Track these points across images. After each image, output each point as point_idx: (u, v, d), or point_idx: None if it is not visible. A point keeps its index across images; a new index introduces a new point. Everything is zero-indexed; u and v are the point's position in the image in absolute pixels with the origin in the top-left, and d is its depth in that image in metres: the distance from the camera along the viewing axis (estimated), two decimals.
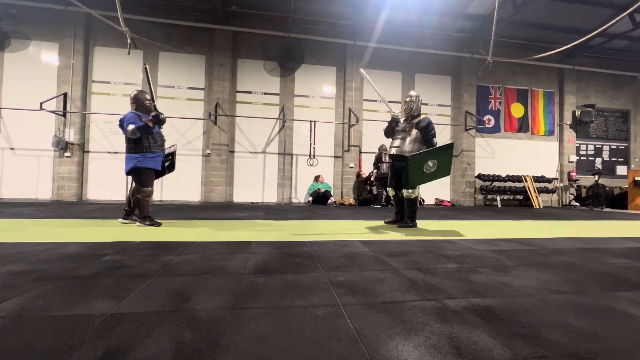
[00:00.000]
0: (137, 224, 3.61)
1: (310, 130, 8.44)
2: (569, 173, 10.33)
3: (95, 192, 8.01)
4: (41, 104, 7.24)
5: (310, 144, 8.43)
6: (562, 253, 2.55)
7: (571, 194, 10.34)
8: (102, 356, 0.91)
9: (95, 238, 2.74)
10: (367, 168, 8.89)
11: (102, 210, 5.25)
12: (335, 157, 9.15)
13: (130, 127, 3.47)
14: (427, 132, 3.86)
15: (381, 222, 4.35)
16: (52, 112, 7.63)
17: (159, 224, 3.59)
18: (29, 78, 7.84)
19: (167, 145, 4.07)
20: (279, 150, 8.83)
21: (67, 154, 7.76)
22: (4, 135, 7.75)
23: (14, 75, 7.80)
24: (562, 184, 10.42)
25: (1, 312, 1.20)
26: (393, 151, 4.04)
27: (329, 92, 9.23)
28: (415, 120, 3.99)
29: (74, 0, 5.24)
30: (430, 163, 3.52)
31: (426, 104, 9.75)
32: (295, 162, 8.91)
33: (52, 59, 7.97)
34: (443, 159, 3.55)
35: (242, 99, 8.78)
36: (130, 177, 3.83)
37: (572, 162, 10.44)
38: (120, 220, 3.79)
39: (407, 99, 4.12)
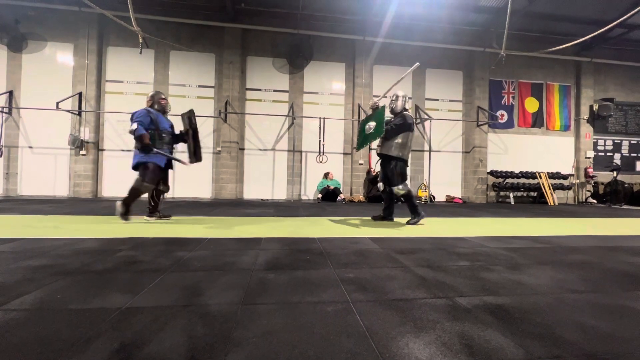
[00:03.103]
0: (145, 217, 3.71)
1: (320, 127, 8.43)
2: (585, 169, 10.04)
3: (110, 189, 8.20)
4: (57, 103, 7.44)
5: (320, 141, 8.42)
6: (578, 251, 2.49)
7: (588, 190, 10.05)
8: (118, 348, 0.93)
9: (110, 234, 2.81)
10: (377, 165, 8.83)
11: None
12: (345, 154, 9.12)
13: (134, 126, 3.53)
14: (398, 126, 3.83)
15: (391, 220, 4.32)
16: (68, 111, 7.83)
17: (127, 220, 3.54)
18: (46, 78, 8.06)
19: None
20: (288, 147, 8.86)
21: (83, 152, 7.96)
22: (23, 135, 8.00)
23: (31, 76, 8.03)
24: (578, 181, 10.14)
25: (23, 305, 1.24)
26: (377, 150, 4.09)
27: (338, 88, 9.19)
28: (396, 119, 3.93)
29: (87, 2, 5.34)
30: (371, 124, 3.88)
31: (437, 100, 9.61)
32: (305, 159, 8.92)
33: (68, 59, 8.17)
34: (377, 119, 3.79)
35: (252, 96, 8.83)
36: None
37: (589, 157, 10.13)
38: (145, 217, 3.83)
39: (392, 98, 4.06)
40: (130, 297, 1.34)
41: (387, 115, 3.92)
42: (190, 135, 3.99)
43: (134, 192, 3.60)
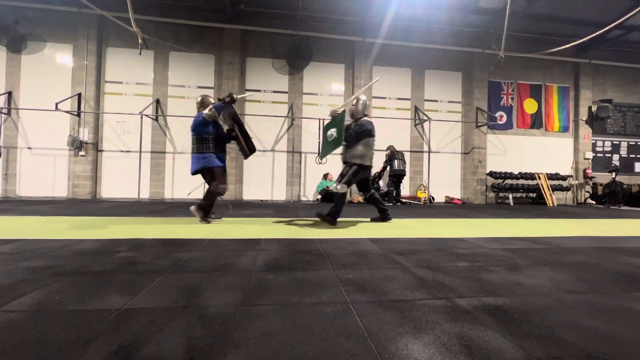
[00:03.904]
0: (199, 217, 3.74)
1: (319, 128, 8.42)
2: (584, 170, 10.06)
3: (109, 190, 8.19)
4: (56, 104, 7.42)
5: (319, 142, 8.42)
6: (577, 252, 2.49)
7: (587, 191, 10.07)
8: (116, 350, 0.93)
9: (109, 235, 2.80)
10: (375, 165, 8.82)
11: (116, 208, 5.37)
12: None
13: (207, 110, 3.58)
14: (357, 133, 3.80)
15: (391, 220, 4.32)
16: (67, 112, 7.81)
17: (208, 222, 3.69)
18: (45, 79, 8.05)
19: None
20: (287, 148, 8.86)
21: (82, 153, 7.94)
22: (22, 135, 7.98)
23: (30, 77, 8.02)
24: (577, 182, 10.16)
25: (21, 306, 1.24)
26: (342, 157, 4.04)
27: (337, 89, 9.20)
28: (355, 126, 3.89)
29: (87, 2, 5.34)
30: (332, 131, 3.85)
31: (436, 101, 9.63)
32: (304, 159, 8.93)
33: (67, 60, 8.16)
34: (338, 127, 3.78)
35: (251, 97, 8.83)
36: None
37: (588, 159, 10.15)
38: (212, 221, 3.84)
39: (352, 103, 4.03)
40: (129, 298, 1.34)
41: (347, 119, 3.90)
42: (238, 132, 3.91)
43: (211, 195, 3.68)
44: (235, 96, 3.72)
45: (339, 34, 8.94)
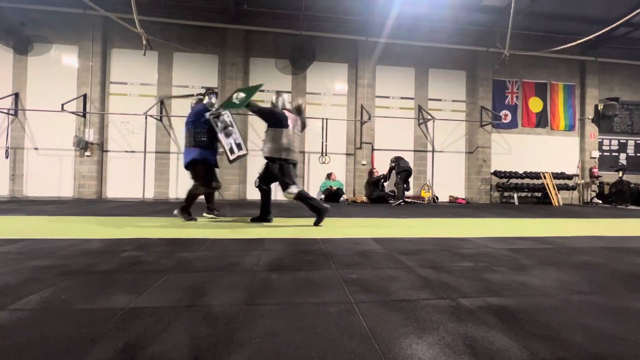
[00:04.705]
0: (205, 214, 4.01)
1: (322, 128, 8.42)
2: (590, 169, 9.95)
3: (114, 190, 8.26)
4: (62, 105, 7.50)
5: (322, 142, 8.42)
6: (583, 252, 2.47)
7: (593, 191, 9.96)
8: (122, 348, 0.94)
9: (114, 235, 2.83)
10: (379, 165, 8.81)
11: (121, 208, 5.41)
12: (348, 154, 9.11)
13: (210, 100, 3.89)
14: (259, 108, 3.78)
15: (395, 219, 4.31)
16: (73, 113, 7.89)
17: (195, 219, 3.81)
18: (51, 80, 8.13)
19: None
20: None
21: (87, 153, 8.02)
22: (29, 136, 8.08)
23: (37, 78, 8.11)
24: (583, 181, 10.05)
25: (28, 305, 1.26)
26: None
27: (341, 89, 9.19)
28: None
29: (92, 4, 5.38)
30: (240, 94, 3.84)
31: (440, 100, 9.58)
32: (307, 160, 8.93)
33: (72, 61, 8.24)
34: (248, 92, 3.83)
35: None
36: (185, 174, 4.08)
37: (594, 158, 10.04)
38: (205, 214, 4.10)
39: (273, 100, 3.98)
40: (135, 298, 1.35)
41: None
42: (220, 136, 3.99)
43: (191, 196, 3.79)
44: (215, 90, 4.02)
45: (342, 33, 8.93)
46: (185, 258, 2.03)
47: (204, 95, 4.05)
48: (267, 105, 3.86)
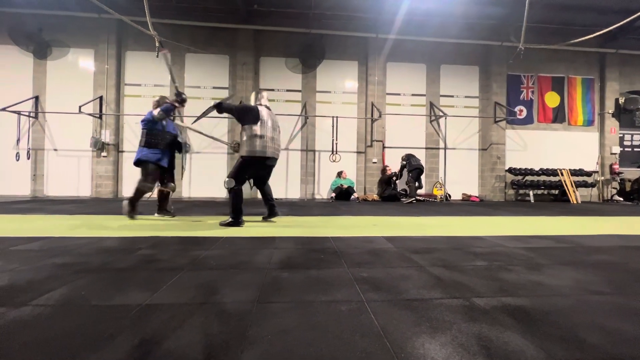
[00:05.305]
0: (156, 214, 4.09)
1: (333, 126, 8.41)
2: (611, 165, 9.61)
3: (130, 189, 8.43)
4: (80, 107, 7.73)
5: (333, 140, 8.41)
6: (602, 251, 2.39)
7: (614, 188, 9.62)
8: (138, 344, 0.97)
9: (130, 233, 2.90)
10: (390, 163, 8.74)
11: None
12: (358, 152, 9.07)
13: (156, 111, 3.91)
14: (233, 106, 3.66)
15: (407, 218, 4.27)
16: (90, 114, 8.12)
17: (134, 218, 3.87)
18: (69, 83, 8.39)
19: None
20: (301, 146, 8.89)
21: (104, 153, 8.25)
22: (49, 138, 8.36)
23: (55, 82, 8.39)
24: (603, 178, 9.72)
25: (50, 301, 1.30)
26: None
27: (351, 87, 9.15)
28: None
29: (106, 8, 5.51)
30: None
31: (452, 96, 9.42)
32: (318, 158, 8.93)
33: (89, 64, 8.48)
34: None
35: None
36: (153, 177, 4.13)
37: (615, 153, 9.69)
38: (155, 214, 4.16)
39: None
40: (150, 295, 1.38)
41: None
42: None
43: (137, 192, 3.92)
44: (184, 96, 4.08)
45: (352, 30, 8.87)
46: (198, 256, 2.06)
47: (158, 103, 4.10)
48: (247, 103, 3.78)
